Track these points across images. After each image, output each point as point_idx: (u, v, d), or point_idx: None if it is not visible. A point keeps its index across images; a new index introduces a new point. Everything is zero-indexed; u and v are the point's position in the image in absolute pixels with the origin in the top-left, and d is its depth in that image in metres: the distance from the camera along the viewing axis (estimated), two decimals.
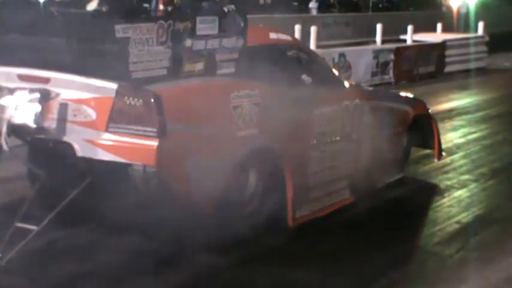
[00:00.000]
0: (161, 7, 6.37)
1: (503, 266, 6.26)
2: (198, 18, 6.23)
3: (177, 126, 5.72)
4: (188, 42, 6.14)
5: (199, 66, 6.26)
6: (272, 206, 6.64)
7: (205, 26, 6.29)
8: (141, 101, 5.65)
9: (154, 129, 5.62)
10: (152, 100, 5.63)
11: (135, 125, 5.66)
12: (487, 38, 22.31)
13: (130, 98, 5.66)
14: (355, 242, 6.67)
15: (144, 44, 5.81)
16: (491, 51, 22.52)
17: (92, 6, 6.12)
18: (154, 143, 5.59)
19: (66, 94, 5.80)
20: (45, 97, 5.81)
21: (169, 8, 6.31)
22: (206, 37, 6.28)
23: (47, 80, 5.85)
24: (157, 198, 5.88)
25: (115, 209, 5.82)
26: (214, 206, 6.05)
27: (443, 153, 9.45)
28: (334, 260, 6.21)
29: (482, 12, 31.41)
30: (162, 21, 6.01)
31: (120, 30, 5.69)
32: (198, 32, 6.21)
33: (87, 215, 6.27)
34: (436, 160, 9.28)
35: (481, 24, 22.91)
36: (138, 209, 5.81)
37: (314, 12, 33.32)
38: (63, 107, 5.78)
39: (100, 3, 6.11)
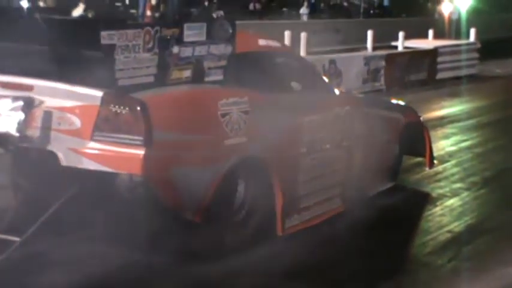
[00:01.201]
0: (148, 13, 6.29)
1: (496, 276, 6.18)
2: (185, 25, 6.14)
3: (164, 134, 5.63)
4: (175, 49, 6.04)
5: (187, 73, 6.16)
6: (261, 215, 6.55)
7: (193, 32, 6.19)
8: (127, 108, 5.55)
9: (141, 138, 5.51)
10: (138, 108, 5.52)
11: (121, 134, 5.56)
12: (478, 45, 22.33)
13: (116, 106, 5.56)
14: (345, 251, 6.59)
15: (131, 51, 5.71)
16: (483, 57, 22.55)
17: (77, 12, 6.03)
18: (140, 152, 5.49)
19: (50, 102, 5.69)
20: (29, 105, 5.70)
21: (157, 14, 6.21)
22: (194, 44, 6.18)
23: (30, 88, 5.75)
24: (144, 207, 5.77)
25: (101, 219, 5.72)
26: (202, 216, 5.95)
27: (435, 162, 9.38)
28: (324, 271, 6.12)
29: (474, 18, 31.45)
30: (148, 28, 5.91)
31: (106, 36, 5.58)
32: (186, 39, 6.12)
33: (72, 226, 6.15)
34: (427, 168, 9.20)
35: (472, 31, 22.93)
36: (124, 219, 5.70)
37: (305, 18, 33.28)
38: (47, 115, 5.67)
39: (86, 10, 6.01)
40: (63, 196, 5.74)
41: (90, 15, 5.84)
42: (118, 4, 20.91)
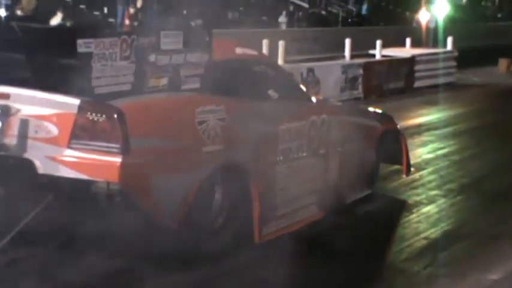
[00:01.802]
0: (127, 22, 6.32)
1: (472, 282, 6.24)
2: (162, 33, 6.16)
3: (141, 142, 5.64)
4: (152, 57, 6.07)
5: (164, 81, 6.18)
6: (238, 222, 6.57)
7: (170, 40, 6.22)
8: (104, 116, 5.56)
9: (118, 145, 5.53)
10: (115, 116, 5.54)
11: (98, 141, 5.57)
12: (455, 53, 22.45)
13: (93, 114, 5.57)
14: (322, 258, 6.60)
15: (107, 59, 5.73)
16: (460, 66, 22.66)
17: (55, 21, 6.04)
18: (117, 160, 5.50)
19: (27, 110, 5.69)
20: (6, 113, 5.70)
21: (135, 23, 6.24)
22: (171, 52, 6.21)
23: (7, 96, 5.74)
24: (121, 215, 5.77)
25: (78, 228, 5.71)
26: (179, 223, 5.96)
27: (412, 169, 9.44)
28: (300, 278, 6.13)
29: (451, 27, 31.66)
30: (125, 36, 5.93)
31: (82, 44, 5.60)
32: (163, 47, 6.14)
33: (49, 234, 6.13)
34: (404, 176, 9.25)
35: (449, 39, 23.07)
36: (102, 227, 5.70)
37: (283, 27, 33.36)
38: (24, 123, 5.67)
39: (64, 18, 6.03)
40: (40, 204, 5.74)
41: (68, 24, 5.85)
42: (96, 13, 20.88)
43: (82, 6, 22.07)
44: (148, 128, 5.77)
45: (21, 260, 5.97)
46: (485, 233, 7.61)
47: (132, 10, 19.30)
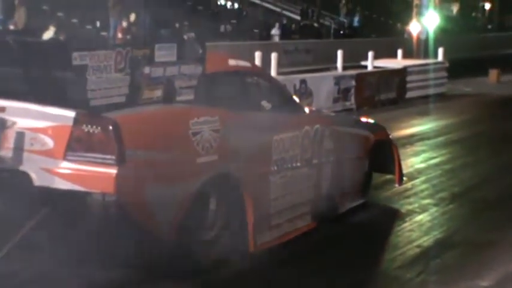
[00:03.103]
0: (119, 35, 6.38)
1: None
2: (156, 46, 6.22)
3: (136, 153, 5.70)
4: (147, 69, 6.13)
5: (158, 93, 6.24)
6: (233, 232, 6.62)
7: (164, 53, 6.28)
8: (99, 128, 5.61)
9: (113, 157, 5.58)
10: (110, 127, 5.59)
11: (94, 153, 5.62)
12: (446, 64, 22.59)
13: (89, 126, 5.63)
14: (316, 267, 6.64)
15: (102, 71, 5.79)
16: (451, 76, 22.80)
17: (48, 35, 6.09)
18: (113, 171, 5.55)
19: (22, 123, 5.74)
20: (1, 126, 5.74)
21: (128, 37, 6.31)
22: (165, 64, 6.27)
23: (2, 109, 5.79)
24: (117, 226, 5.81)
25: (73, 239, 5.74)
26: (174, 233, 6.01)
27: (405, 178, 9.51)
28: (295, 287, 6.17)
29: (442, 38, 31.84)
30: (120, 49, 6.00)
31: (78, 57, 5.66)
32: (157, 59, 6.21)
33: (45, 246, 6.15)
34: (397, 185, 9.32)
35: (440, 50, 23.21)
36: (97, 238, 5.73)
37: (276, 39, 33.49)
38: (20, 135, 5.72)
39: (56, 32, 6.08)
40: (36, 216, 5.77)
41: (61, 37, 5.89)
42: (89, 27, 20.93)
43: (74, 20, 22.29)
44: (143, 140, 5.83)
45: (18, 272, 5.99)
46: (477, 241, 7.68)
47: (124, 24, 19.44)
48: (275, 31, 34.47)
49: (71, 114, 5.65)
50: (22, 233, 5.74)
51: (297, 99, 8.27)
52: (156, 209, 5.86)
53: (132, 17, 18.45)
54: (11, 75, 5.85)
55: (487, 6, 58.16)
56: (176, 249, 6.01)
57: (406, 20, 39.61)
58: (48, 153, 5.67)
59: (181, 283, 5.98)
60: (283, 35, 34.39)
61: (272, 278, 6.35)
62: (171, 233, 5.98)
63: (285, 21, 37.63)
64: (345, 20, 40.85)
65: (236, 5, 40.50)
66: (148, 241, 5.87)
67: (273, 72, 16.53)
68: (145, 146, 5.82)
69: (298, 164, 7.50)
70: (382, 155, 9.04)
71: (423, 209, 8.76)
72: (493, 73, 25.59)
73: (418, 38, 32.52)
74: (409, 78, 20.63)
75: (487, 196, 9.61)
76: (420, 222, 8.26)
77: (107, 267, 6.03)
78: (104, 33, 6.10)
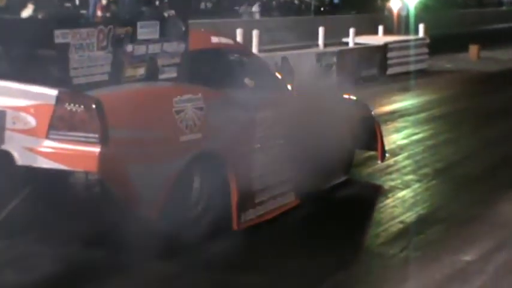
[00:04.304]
0: (99, 13, 6.32)
1: (447, 264, 6.34)
2: (138, 23, 6.18)
3: (119, 132, 5.67)
4: (129, 47, 6.09)
5: (141, 71, 6.21)
6: (217, 210, 6.62)
7: (146, 30, 6.24)
8: (82, 107, 5.59)
9: (96, 136, 5.56)
10: (93, 106, 5.57)
11: (77, 132, 5.60)
12: (427, 40, 22.62)
13: (71, 104, 5.60)
14: (300, 244, 6.68)
15: (85, 50, 5.75)
16: (432, 53, 22.83)
17: (27, 13, 6.03)
18: (96, 150, 5.53)
19: (4, 101, 5.69)
20: None
21: (107, 15, 6.26)
22: (147, 42, 6.24)
23: None
24: (100, 205, 5.80)
25: (57, 218, 5.73)
26: (158, 212, 6.00)
27: (387, 155, 9.54)
28: (278, 264, 6.19)
29: (422, 14, 31.83)
30: (102, 27, 5.95)
31: (60, 35, 5.62)
32: (139, 37, 6.17)
33: (27, 225, 6.14)
34: (379, 162, 9.35)
35: (421, 27, 23.23)
36: (81, 218, 5.73)
37: (257, 16, 33.37)
38: (1, 114, 5.68)
39: (35, 10, 6.02)
40: (19, 195, 5.75)
41: (40, 15, 5.82)
42: (68, 4, 20.65)
43: None
44: (126, 118, 5.80)
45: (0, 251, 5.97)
46: (459, 217, 7.73)
47: (104, 1, 19.28)
48: (255, 8, 34.34)
49: (53, 92, 5.61)
50: (5, 213, 5.73)
51: (279, 76, 8.25)
52: (139, 188, 5.85)
53: None
54: None
55: None
56: (160, 228, 6.00)
57: None
58: (30, 132, 5.64)
59: (165, 262, 5.97)
60: (263, 12, 34.26)
61: (254, 256, 6.36)
62: (155, 211, 5.97)
63: None
64: None
65: None
66: (131, 220, 5.85)
67: (255, 50, 16.51)
68: (128, 125, 5.79)
69: (282, 142, 7.49)
70: (365, 132, 9.05)
71: (406, 185, 8.80)
72: (473, 49, 25.64)
73: (399, 15, 32.50)
74: (390, 54, 20.63)
75: (469, 172, 9.65)
76: (403, 198, 8.30)
77: (91, 246, 6.01)
78: (83, 11, 6.03)
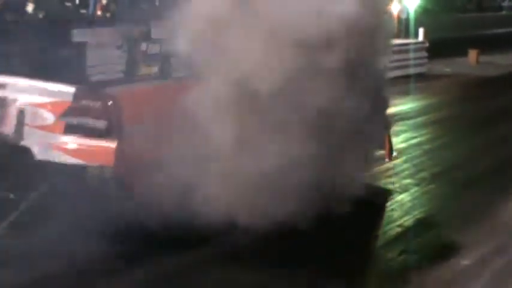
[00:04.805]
0: (99, 13, 6.44)
1: (444, 267, 6.42)
2: (152, 23, 6.32)
3: (134, 127, 5.82)
4: (143, 46, 6.23)
5: (155, 69, 6.34)
6: None
7: (160, 30, 6.37)
8: (98, 103, 5.74)
9: (112, 131, 5.70)
10: (110, 102, 5.72)
11: (93, 127, 5.74)
12: (427, 44, 22.60)
13: (88, 101, 5.74)
14: (298, 246, 6.69)
15: (101, 48, 5.90)
16: (432, 56, 22.77)
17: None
18: (112, 145, 5.69)
19: (23, 99, 5.84)
20: (2, 103, 5.84)
21: (108, 14, 6.39)
22: (161, 41, 6.36)
23: (3, 86, 5.89)
24: (115, 199, 5.94)
25: (73, 212, 5.86)
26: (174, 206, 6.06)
27: (394, 154, 9.60)
28: (277, 265, 6.26)
29: (423, 18, 31.85)
30: (117, 26, 6.10)
31: (77, 34, 5.77)
32: (153, 36, 6.31)
33: (45, 219, 6.23)
34: (386, 160, 9.35)
35: (421, 30, 23.22)
36: (96, 211, 5.86)
37: None
38: (21, 111, 5.84)
39: (35, 9, 6.17)
40: (37, 190, 5.88)
41: (40, 15, 5.93)
42: (68, 4, 20.43)
43: None
44: (141, 114, 5.95)
45: (20, 244, 6.02)
46: (457, 220, 7.79)
47: (104, 0, 19.05)
48: None
49: (70, 89, 5.76)
50: (22, 208, 5.86)
51: None
52: (153, 182, 5.96)
53: None
54: (11, 53, 5.93)
55: None
56: (160, 228, 6.03)
57: None
58: (48, 128, 5.79)
59: (165, 262, 6.03)
60: None
61: (255, 256, 6.41)
62: (170, 205, 6.05)
63: None
64: None
65: None
66: (144, 214, 5.96)
67: None
68: (143, 121, 5.94)
69: None
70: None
71: (404, 189, 8.84)
72: (472, 53, 25.64)
73: (399, 17, 32.51)
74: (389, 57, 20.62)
75: (467, 176, 9.69)
76: (401, 201, 8.35)
77: (106, 240, 6.09)
78: (83, 11, 6.13)
